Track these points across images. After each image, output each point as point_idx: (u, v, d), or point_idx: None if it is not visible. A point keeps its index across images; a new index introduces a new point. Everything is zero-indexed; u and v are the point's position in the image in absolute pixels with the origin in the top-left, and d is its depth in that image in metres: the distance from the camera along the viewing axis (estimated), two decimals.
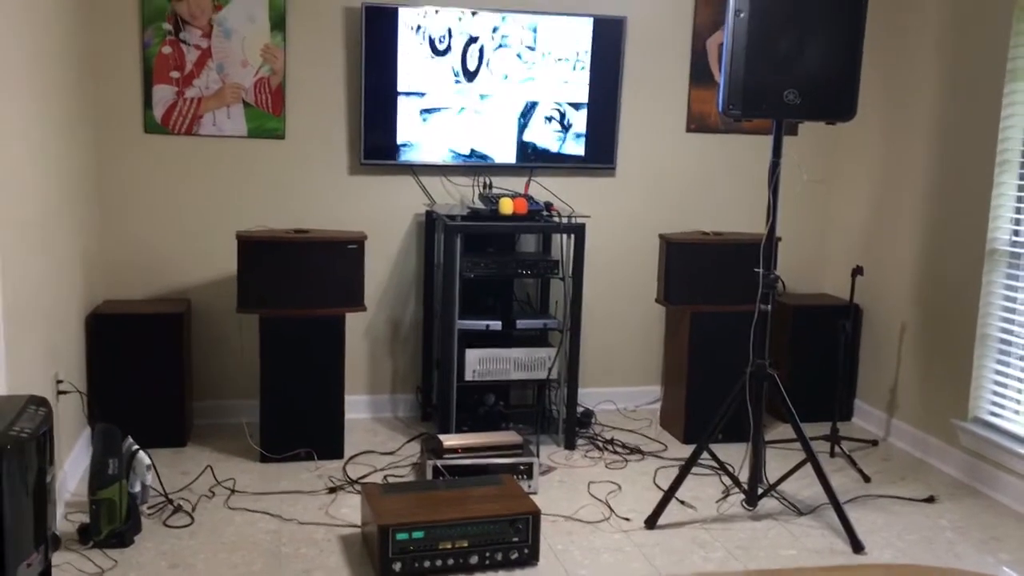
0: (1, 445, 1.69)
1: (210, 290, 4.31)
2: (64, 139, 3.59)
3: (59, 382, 3.39)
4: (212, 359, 4.34)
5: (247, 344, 4.27)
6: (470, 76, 4.30)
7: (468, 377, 4.09)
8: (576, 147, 4.51)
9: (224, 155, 4.25)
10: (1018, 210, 3.84)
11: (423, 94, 4.26)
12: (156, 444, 3.85)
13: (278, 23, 4.18)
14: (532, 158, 4.45)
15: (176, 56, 4.12)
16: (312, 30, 4.25)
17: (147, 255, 4.24)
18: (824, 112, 3.31)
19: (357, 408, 4.47)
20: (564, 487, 3.76)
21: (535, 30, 4.33)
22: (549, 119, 4.43)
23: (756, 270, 3.44)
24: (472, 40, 4.27)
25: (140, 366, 3.90)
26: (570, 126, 4.47)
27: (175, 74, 4.13)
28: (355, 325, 4.42)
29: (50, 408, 1.98)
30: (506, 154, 4.42)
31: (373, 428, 4.38)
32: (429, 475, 3.54)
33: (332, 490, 3.64)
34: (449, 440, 3.65)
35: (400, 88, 4.24)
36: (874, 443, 4.40)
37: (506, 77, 4.33)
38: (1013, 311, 3.85)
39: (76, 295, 3.75)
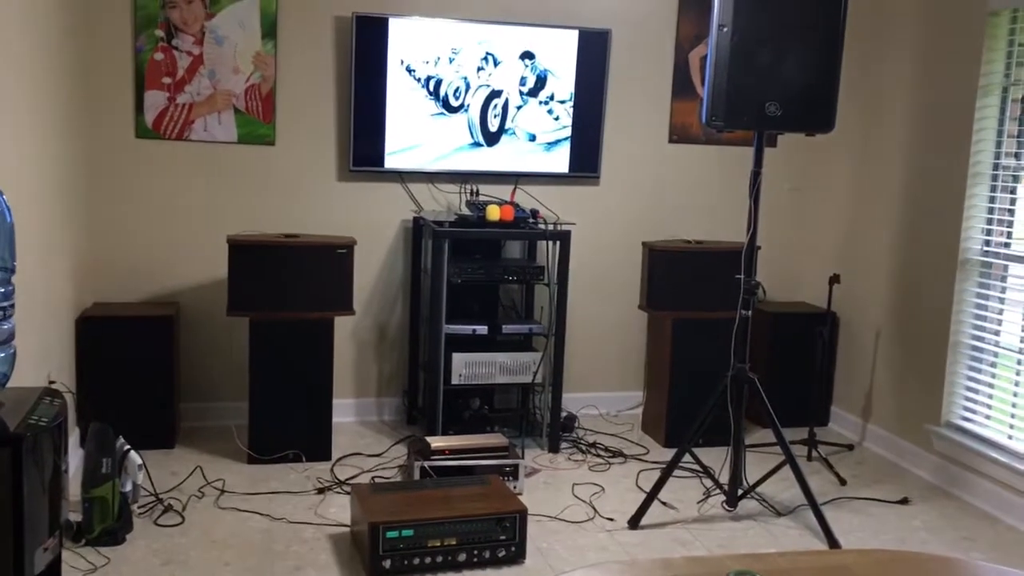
0: (22, 433, 1.75)
1: (199, 294, 4.36)
2: (57, 142, 3.63)
3: (51, 382, 3.43)
4: (201, 362, 4.38)
5: (236, 347, 4.32)
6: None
7: (454, 381, 4.16)
8: (561, 156, 4.60)
9: (214, 160, 4.30)
10: (989, 220, 3.96)
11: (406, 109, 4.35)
12: (145, 446, 3.89)
13: (269, 31, 4.25)
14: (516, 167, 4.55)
15: (168, 62, 4.17)
16: (303, 38, 4.31)
17: (137, 259, 4.28)
18: (804, 124, 3.41)
19: (343, 412, 4.52)
20: (549, 488, 3.83)
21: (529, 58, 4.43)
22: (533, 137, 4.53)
23: (737, 276, 3.54)
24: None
25: (129, 368, 3.94)
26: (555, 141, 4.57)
27: (167, 80, 4.18)
28: (342, 329, 4.47)
29: (64, 400, 2.04)
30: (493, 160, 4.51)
31: (359, 431, 4.43)
32: (417, 476, 3.60)
33: (320, 491, 3.69)
34: (437, 442, 3.71)
35: (388, 98, 4.32)
36: (850, 447, 4.51)
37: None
38: (984, 319, 3.97)
39: (67, 297, 3.79)
